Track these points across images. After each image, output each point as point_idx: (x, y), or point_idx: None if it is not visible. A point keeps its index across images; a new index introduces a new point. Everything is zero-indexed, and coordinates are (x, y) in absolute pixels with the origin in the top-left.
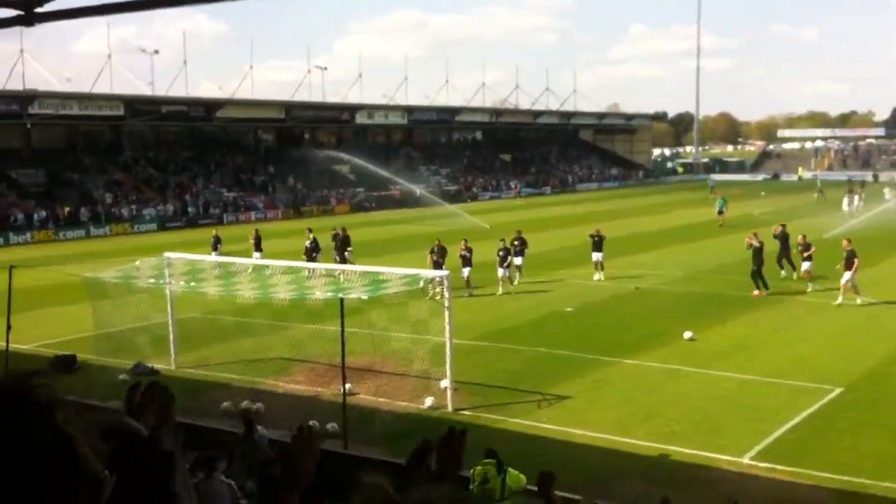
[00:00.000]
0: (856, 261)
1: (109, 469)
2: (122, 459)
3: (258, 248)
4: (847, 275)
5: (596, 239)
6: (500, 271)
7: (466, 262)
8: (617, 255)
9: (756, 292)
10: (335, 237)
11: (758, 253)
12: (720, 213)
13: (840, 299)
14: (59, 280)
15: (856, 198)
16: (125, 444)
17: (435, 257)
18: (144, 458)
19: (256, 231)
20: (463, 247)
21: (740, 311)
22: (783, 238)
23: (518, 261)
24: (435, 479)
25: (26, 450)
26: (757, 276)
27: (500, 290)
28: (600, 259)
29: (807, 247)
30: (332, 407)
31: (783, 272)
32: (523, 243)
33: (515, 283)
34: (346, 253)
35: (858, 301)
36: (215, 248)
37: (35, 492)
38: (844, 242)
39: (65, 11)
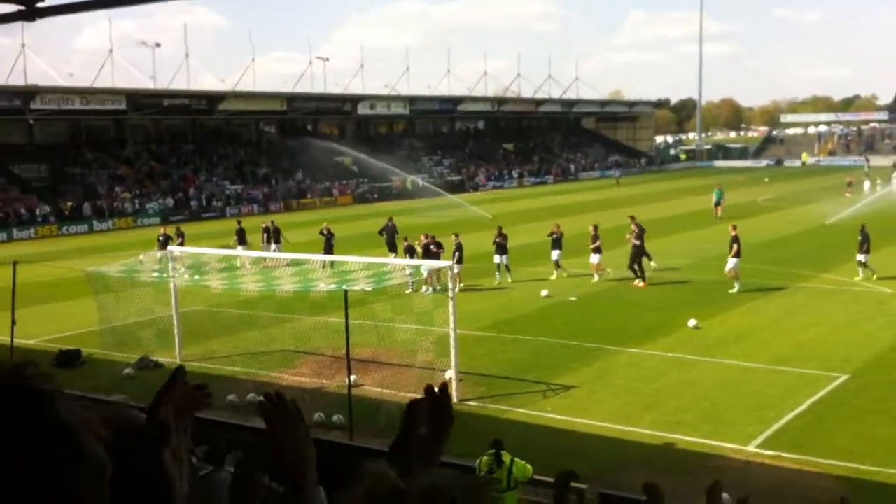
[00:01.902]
0: (735, 246)
1: (110, 456)
2: (123, 447)
3: (276, 240)
4: (731, 261)
5: (555, 237)
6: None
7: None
8: (621, 243)
9: (639, 283)
10: (266, 230)
11: (637, 247)
12: (717, 204)
13: (736, 287)
14: (63, 275)
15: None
16: (127, 432)
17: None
18: (144, 446)
19: (272, 223)
20: (430, 240)
21: (745, 299)
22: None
23: (498, 259)
24: (430, 447)
25: (26, 439)
26: (635, 267)
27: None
28: (558, 258)
29: (594, 238)
30: (338, 398)
31: (652, 263)
32: (505, 239)
33: (509, 279)
34: (278, 245)
35: (736, 288)
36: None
37: (37, 481)
38: (730, 228)
39: (66, 6)
